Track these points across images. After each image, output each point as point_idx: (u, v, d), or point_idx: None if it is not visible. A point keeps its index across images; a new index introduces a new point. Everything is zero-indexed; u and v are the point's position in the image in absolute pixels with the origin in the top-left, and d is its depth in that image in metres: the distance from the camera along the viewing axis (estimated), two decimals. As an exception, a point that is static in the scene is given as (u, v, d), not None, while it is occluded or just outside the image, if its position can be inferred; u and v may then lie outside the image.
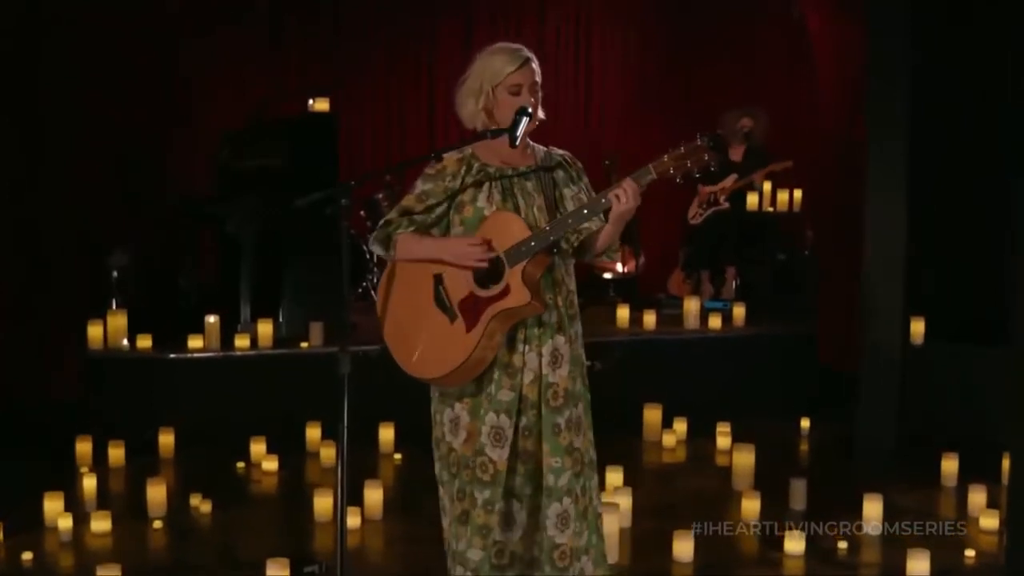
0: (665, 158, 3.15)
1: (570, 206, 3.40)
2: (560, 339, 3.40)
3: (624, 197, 3.18)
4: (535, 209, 3.38)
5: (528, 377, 3.38)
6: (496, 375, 3.36)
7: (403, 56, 9.92)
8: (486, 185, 3.40)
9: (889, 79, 6.07)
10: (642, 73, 10.27)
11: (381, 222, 3.48)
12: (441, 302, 3.38)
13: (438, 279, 3.40)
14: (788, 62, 9.49)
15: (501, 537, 3.44)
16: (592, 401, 3.53)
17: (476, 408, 3.39)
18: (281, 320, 7.16)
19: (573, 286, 3.49)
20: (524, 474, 3.43)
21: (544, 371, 3.38)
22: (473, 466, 3.38)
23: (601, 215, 3.32)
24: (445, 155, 3.45)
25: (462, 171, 3.43)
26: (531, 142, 3.50)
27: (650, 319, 7.56)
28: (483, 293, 3.30)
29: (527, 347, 3.38)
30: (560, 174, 3.48)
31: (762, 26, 9.61)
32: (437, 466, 3.51)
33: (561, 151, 3.54)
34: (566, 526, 3.41)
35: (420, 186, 3.46)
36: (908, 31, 6.01)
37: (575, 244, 3.41)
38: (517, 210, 3.37)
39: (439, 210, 3.43)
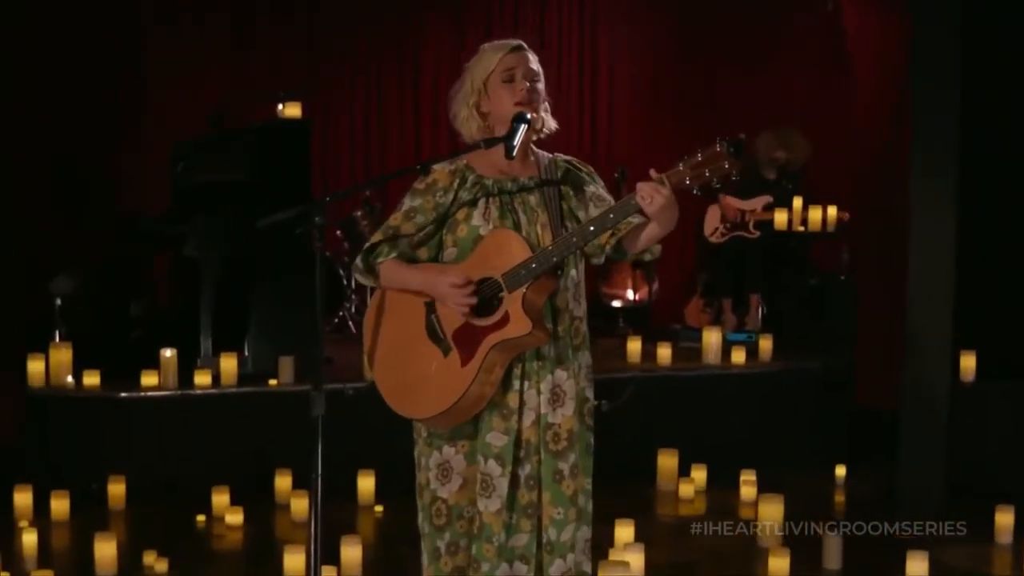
0: (680, 166, 3.11)
1: (590, 208, 3.41)
2: (562, 374, 3.41)
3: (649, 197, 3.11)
4: (538, 226, 3.39)
5: (528, 419, 3.39)
6: (487, 416, 3.37)
7: (386, 56, 9.95)
8: (482, 200, 3.41)
9: (935, 81, 6.03)
10: (654, 73, 10.28)
11: (364, 247, 3.48)
12: (434, 333, 3.38)
13: (430, 307, 3.40)
14: (822, 60, 9.56)
15: None
16: (598, 446, 3.52)
17: (473, 452, 3.41)
18: (247, 354, 7.18)
19: (580, 312, 3.49)
20: (531, 531, 3.41)
21: (543, 410, 3.39)
22: (468, 515, 3.42)
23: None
24: (435, 167, 3.46)
25: (455, 185, 3.44)
26: (535, 149, 3.53)
27: (665, 353, 7.58)
28: (480, 322, 3.31)
29: (526, 384, 3.39)
30: (569, 181, 3.48)
31: (792, 19, 9.67)
32: (420, 517, 3.51)
33: (566, 157, 3.57)
34: None
35: (408, 202, 3.46)
36: (957, 24, 5.98)
37: (611, 244, 3.37)
38: (517, 227, 3.38)
39: (429, 228, 3.43)
